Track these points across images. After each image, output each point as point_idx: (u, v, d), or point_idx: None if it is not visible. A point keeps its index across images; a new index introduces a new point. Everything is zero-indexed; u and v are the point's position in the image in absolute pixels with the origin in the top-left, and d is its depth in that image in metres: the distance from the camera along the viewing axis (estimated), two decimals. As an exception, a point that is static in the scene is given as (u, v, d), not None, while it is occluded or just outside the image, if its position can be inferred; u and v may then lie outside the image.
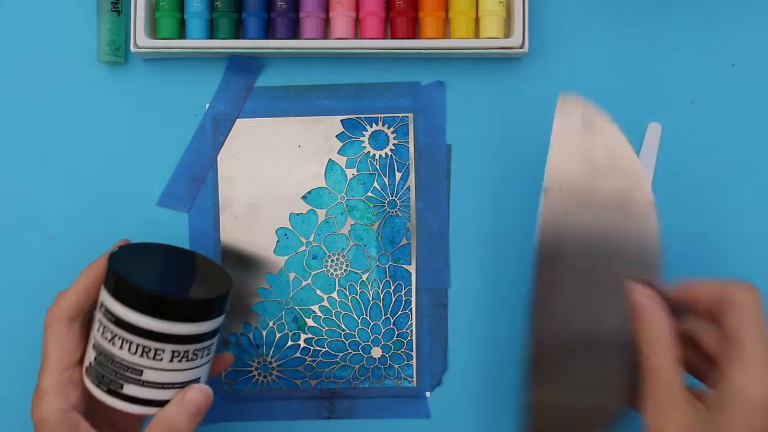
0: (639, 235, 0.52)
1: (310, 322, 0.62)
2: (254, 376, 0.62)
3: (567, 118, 0.54)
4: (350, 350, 0.62)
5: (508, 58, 0.62)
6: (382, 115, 0.63)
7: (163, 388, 0.51)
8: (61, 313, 0.53)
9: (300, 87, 0.63)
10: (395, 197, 0.62)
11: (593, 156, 0.53)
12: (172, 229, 0.62)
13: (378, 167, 0.62)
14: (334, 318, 0.62)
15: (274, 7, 0.61)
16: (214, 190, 0.62)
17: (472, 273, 0.62)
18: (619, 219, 0.52)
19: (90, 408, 0.53)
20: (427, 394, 0.62)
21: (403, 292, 0.62)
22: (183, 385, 0.52)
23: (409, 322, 0.62)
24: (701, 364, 0.50)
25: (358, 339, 0.62)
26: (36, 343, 0.62)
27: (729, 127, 0.62)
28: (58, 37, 0.62)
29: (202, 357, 0.52)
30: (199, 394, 0.52)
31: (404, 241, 0.62)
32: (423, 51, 0.61)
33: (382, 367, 0.62)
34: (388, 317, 0.62)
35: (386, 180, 0.62)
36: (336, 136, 0.63)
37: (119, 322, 0.50)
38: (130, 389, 0.51)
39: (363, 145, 0.63)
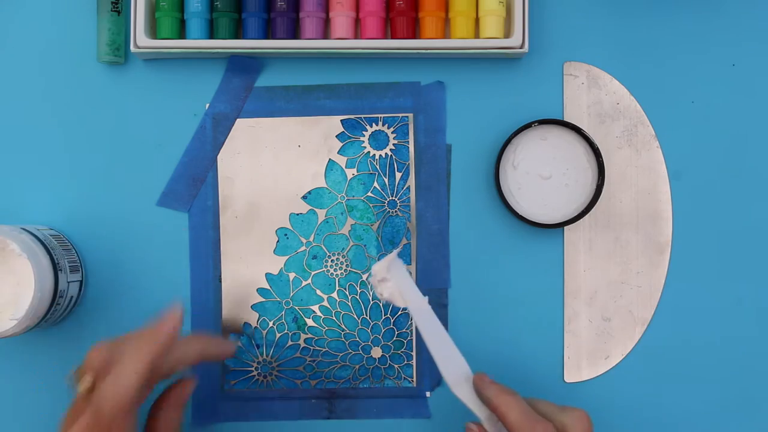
0: (647, 165, 0.62)
1: (310, 322, 0.62)
2: (254, 376, 0.62)
3: (574, 80, 0.61)
4: (350, 350, 0.62)
5: (508, 58, 0.62)
6: (382, 115, 0.63)
7: None
8: (130, 406, 0.49)
9: (300, 87, 0.63)
10: (395, 197, 0.62)
11: (601, 106, 0.62)
12: (172, 229, 0.62)
13: (378, 167, 0.62)
14: (334, 318, 0.62)
15: (274, 7, 0.61)
16: (214, 190, 0.62)
17: (472, 273, 0.62)
18: (629, 153, 0.62)
19: None
20: (427, 394, 0.62)
21: (403, 292, 0.62)
22: None
23: (409, 322, 0.62)
24: None
25: (358, 339, 0.62)
26: (34, 343, 0.62)
27: (729, 127, 0.62)
28: (58, 37, 0.62)
29: None
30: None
31: (404, 241, 0.62)
32: (423, 51, 0.61)
33: (382, 367, 0.62)
34: (388, 317, 0.62)
35: (386, 180, 0.62)
36: (336, 136, 0.63)
37: None
38: None
39: (363, 145, 0.63)
